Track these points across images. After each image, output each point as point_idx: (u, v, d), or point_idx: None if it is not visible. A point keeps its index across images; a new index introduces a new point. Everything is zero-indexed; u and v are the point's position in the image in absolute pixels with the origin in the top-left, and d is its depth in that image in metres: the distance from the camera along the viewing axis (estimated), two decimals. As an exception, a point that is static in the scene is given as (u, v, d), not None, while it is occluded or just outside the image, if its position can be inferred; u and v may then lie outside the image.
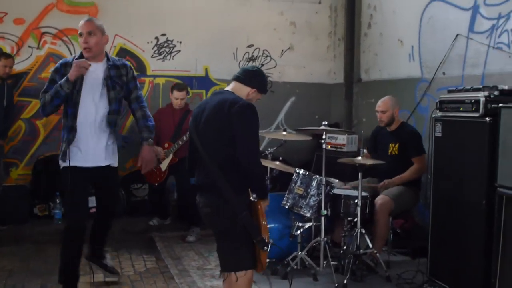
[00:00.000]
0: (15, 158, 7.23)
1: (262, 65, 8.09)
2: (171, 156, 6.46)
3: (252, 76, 3.51)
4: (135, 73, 4.52)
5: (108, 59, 4.27)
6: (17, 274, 4.94)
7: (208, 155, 3.33)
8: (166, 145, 6.50)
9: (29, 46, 7.26)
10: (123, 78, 4.29)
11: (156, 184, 6.61)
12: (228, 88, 3.53)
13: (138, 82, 4.55)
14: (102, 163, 4.28)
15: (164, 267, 5.18)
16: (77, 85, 4.08)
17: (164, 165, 6.50)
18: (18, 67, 7.15)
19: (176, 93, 6.53)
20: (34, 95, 7.06)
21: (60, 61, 4.29)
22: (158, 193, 6.79)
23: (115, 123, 4.34)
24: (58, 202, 6.75)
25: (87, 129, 4.17)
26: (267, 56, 8.14)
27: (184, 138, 6.32)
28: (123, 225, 6.52)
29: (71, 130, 4.14)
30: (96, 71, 4.18)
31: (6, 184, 6.93)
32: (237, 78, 3.52)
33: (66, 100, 4.12)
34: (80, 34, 4.13)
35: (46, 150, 7.23)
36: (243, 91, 3.48)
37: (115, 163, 4.42)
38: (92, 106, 4.17)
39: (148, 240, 6.17)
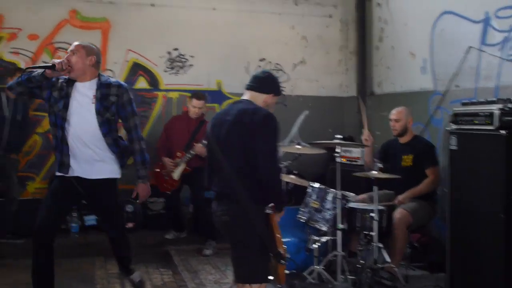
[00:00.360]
0: (31, 172, 7.29)
1: (274, 78, 8.12)
2: (183, 165, 6.47)
3: (265, 82, 3.60)
4: (131, 96, 4.30)
5: (99, 79, 4.19)
6: (34, 288, 4.94)
7: (229, 164, 3.37)
8: (179, 154, 6.52)
9: (43, 61, 7.34)
10: (110, 98, 4.14)
11: (169, 192, 6.64)
12: (245, 97, 3.59)
13: (139, 103, 4.49)
14: (89, 176, 4.17)
15: (181, 281, 5.20)
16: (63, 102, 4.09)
17: (176, 174, 6.51)
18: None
19: (194, 102, 6.54)
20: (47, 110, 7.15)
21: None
22: (173, 206, 6.83)
23: (112, 144, 4.18)
24: (74, 215, 6.78)
25: (75, 144, 4.12)
26: (279, 69, 8.19)
27: (196, 149, 6.33)
28: (139, 238, 6.55)
29: (60, 142, 4.13)
30: (84, 90, 4.13)
31: (23, 197, 6.99)
32: (251, 88, 3.60)
33: (54, 114, 4.13)
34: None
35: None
36: (260, 98, 3.56)
37: (107, 176, 4.24)
38: (80, 122, 4.10)
39: (164, 253, 6.19)
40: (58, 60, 4.06)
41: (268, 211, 3.42)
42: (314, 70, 8.33)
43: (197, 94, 6.68)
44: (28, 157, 7.26)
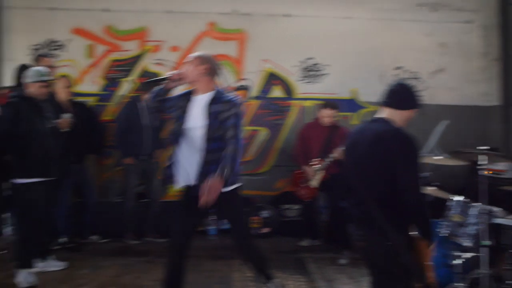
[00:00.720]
0: (173, 175, 7.65)
1: (411, 87, 7.90)
2: (321, 172, 6.48)
3: (404, 97, 3.33)
4: (240, 111, 4.22)
5: (215, 93, 4.19)
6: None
7: (366, 186, 3.22)
8: (316, 161, 6.54)
9: (184, 72, 7.70)
10: (222, 114, 4.13)
11: (307, 201, 6.67)
12: (381, 115, 3.36)
13: (239, 119, 4.22)
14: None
15: (313, 289, 5.19)
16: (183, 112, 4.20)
17: (315, 182, 6.54)
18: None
19: (325, 111, 6.58)
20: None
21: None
22: (310, 213, 6.86)
23: (212, 163, 4.12)
24: (212, 218, 7.02)
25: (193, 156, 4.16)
26: (416, 77, 7.95)
27: (335, 154, 6.31)
28: (273, 244, 6.65)
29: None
30: (199, 104, 4.18)
31: (165, 200, 7.35)
32: (388, 104, 3.34)
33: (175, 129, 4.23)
34: None
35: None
36: (400, 116, 3.30)
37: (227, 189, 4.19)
38: (195, 136, 4.16)
39: (299, 260, 6.20)
40: (172, 72, 4.25)
41: (414, 235, 3.20)
42: (453, 78, 7.99)
43: (328, 104, 6.69)
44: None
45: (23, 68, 6.11)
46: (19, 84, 6.00)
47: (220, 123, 4.13)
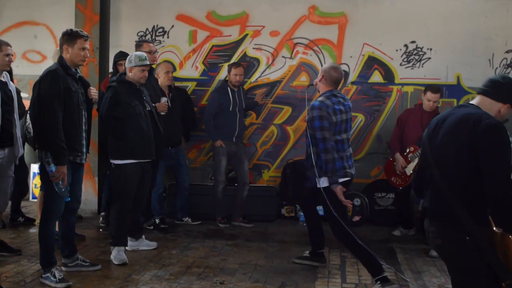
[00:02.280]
0: (267, 161, 7.75)
1: (523, 72, 7.39)
2: (416, 160, 6.23)
3: (505, 89, 3.01)
4: (315, 114, 4.73)
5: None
6: (262, 269, 5.24)
7: (442, 175, 2.97)
8: (412, 148, 6.34)
9: (282, 56, 7.72)
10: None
11: (401, 188, 6.52)
12: (473, 101, 3.09)
13: (319, 122, 4.69)
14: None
15: (402, 280, 5.00)
16: None
17: (409, 169, 6.35)
18: (272, 76, 7.68)
19: (429, 95, 6.30)
20: (286, 102, 7.54)
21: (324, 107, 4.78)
22: (404, 201, 6.67)
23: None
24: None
25: None
26: (528, 62, 7.41)
27: None
28: (364, 233, 6.52)
29: None
30: None
31: (258, 184, 7.47)
32: (485, 92, 3.04)
33: None
34: None
35: (295, 155, 7.60)
36: (493, 107, 3.01)
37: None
38: None
39: (389, 250, 6.04)
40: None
41: (497, 230, 2.92)
42: None
43: (433, 87, 6.39)
44: (265, 147, 7.72)
45: (120, 54, 6.43)
46: (116, 69, 6.34)
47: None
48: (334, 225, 4.69)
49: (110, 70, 7.09)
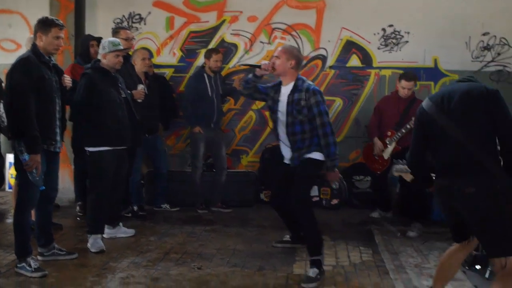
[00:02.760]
0: (245, 146, 7.75)
1: (499, 54, 7.43)
2: (394, 144, 6.32)
3: None
4: (320, 99, 4.73)
5: (295, 83, 4.79)
6: (240, 253, 5.25)
7: (467, 133, 3.34)
8: (389, 133, 6.38)
9: (260, 42, 7.70)
10: (301, 102, 4.71)
11: (379, 173, 6.56)
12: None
13: (324, 106, 4.73)
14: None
15: (379, 261, 5.06)
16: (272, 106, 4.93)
17: (387, 153, 6.40)
18: (250, 62, 7.62)
19: (404, 83, 6.32)
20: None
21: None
22: (381, 185, 6.73)
23: (299, 142, 4.81)
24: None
25: (284, 141, 4.93)
26: (504, 44, 7.43)
27: (408, 126, 6.11)
28: (343, 216, 6.57)
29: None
30: (285, 93, 4.83)
31: (237, 170, 7.47)
32: None
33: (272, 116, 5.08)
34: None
35: (274, 139, 7.54)
36: None
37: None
38: (281, 123, 4.88)
39: (366, 232, 6.09)
40: (265, 62, 4.88)
41: None
42: (546, 44, 7.39)
43: (407, 75, 6.43)
44: (244, 132, 7.72)
45: (87, 38, 6.37)
46: (84, 55, 6.28)
47: (299, 109, 4.72)
48: (300, 190, 4.75)
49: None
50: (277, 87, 4.90)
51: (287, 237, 5.50)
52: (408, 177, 4.13)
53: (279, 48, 4.85)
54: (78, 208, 6.63)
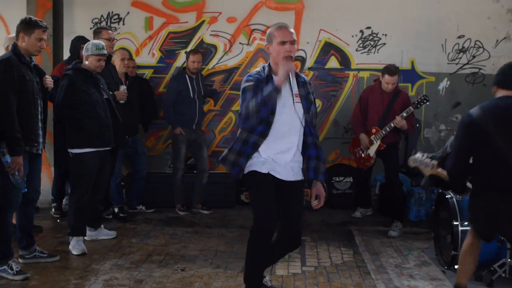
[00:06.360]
0: (225, 147, 7.69)
1: (474, 56, 7.59)
2: (379, 142, 6.32)
3: None
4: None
5: (298, 74, 3.94)
6: (222, 255, 5.28)
7: None
8: (374, 130, 6.36)
9: (240, 43, 7.72)
10: (310, 97, 3.92)
11: (362, 170, 6.61)
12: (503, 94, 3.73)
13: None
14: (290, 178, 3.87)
15: (361, 262, 5.13)
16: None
17: (372, 151, 6.40)
18: (230, 63, 7.69)
19: (387, 78, 6.30)
20: (244, 88, 7.53)
21: (252, 78, 3.80)
22: (363, 182, 6.84)
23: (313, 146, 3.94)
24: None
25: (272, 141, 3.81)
26: (479, 47, 7.60)
27: (392, 125, 6.17)
28: (323, 216, 6.64)
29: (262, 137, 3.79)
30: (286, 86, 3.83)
31: (217, 171, 7.48)
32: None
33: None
34: (283, 42, 3.73)
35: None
36: None
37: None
38: (284, 121, 3.79)
39: (347, 233, 6.17)
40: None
41: None
42: (520, 46, 7.57)
43: (390, 70, 6.31)
44: (223, 133, 7.74)
45: (78, 40, 6.31)
46: (74, 56, 6.22)
47: (310, 105, 3.89)
48: (301, 221, 4.04)
49: (65, 58, 6.95)
50: (269, 78, 3.80)
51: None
52: (427, 171, 3.97)
53: (292, 31, 3.80)
54: (53, 210, 6.57)
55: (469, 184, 3.90)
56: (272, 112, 3.73)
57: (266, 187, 3.78)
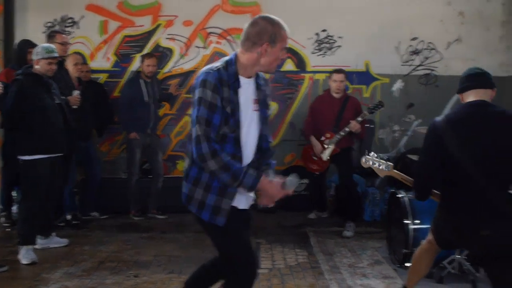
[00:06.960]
0: (181, 151, 7.72)
1: (426, 58, 7.73)
2: (333, 146, 6.35)
3: (490, 77, 3.48)
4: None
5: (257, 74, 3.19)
6: (177, 260, 5.24)
7: (490, 175, 3.25)
8: (328, 135, 6.38)
9: (196, 46, 7.70)
10: (269, 99, 3.27)
11: (317, 174, 6.63)
12: (475, 97, 3.40)
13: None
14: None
15: (315, 262, 5.17)
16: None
17: (325, 155, 6.42)
18: (186, 66, 7.65)
19: (335, 76, 6.40)
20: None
21: (210, 76, 2.94)
22: (318, 185, 6.87)
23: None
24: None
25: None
26: (432, 49, 7.74)
27: (346, 129, 6.21)
28: (278, 219, 6.65)
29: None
30: (248, 87, 3.12)
31: (173, 175, 7.43)
32: (483, 85, 3.43)
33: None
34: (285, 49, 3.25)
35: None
36: (489, 95, 3.43)
37: None
38: (250, 136, 3.12)
39: (302, 234, 6.20)
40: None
41: None
42: (471, 49, 7.68)
43: (336, 70, 6.52)
44: (179, 137, 7.70)
45: (25, 43, 6.18)
46: (20, 61, 6.08)
47: (267, 113, 3.23)
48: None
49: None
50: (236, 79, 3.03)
51: None
52: (382, 173, 3.92)
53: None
54: (3, 219, 6.43)
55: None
56: (237, 125, 2.99)
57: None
